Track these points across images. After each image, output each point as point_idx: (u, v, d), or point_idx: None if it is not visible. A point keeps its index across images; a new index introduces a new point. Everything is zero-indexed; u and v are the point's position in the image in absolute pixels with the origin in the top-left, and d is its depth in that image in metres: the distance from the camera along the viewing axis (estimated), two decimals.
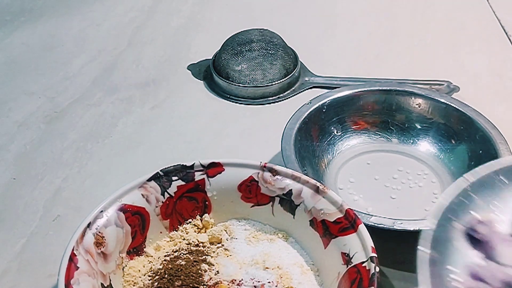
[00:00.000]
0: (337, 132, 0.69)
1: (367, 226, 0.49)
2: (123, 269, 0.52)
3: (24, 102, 0.80)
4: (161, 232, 0.56)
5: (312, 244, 0.53)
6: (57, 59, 0.89)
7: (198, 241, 0.54)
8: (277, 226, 0.56)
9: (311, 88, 0.82)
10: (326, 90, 0.71)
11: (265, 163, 0.56)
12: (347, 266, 0.48)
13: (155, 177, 0.55)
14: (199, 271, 0.51)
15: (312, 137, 0.66)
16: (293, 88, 0.81)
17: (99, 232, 0.50)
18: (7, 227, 0.61)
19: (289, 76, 0.81)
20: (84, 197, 0.64)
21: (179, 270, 0.50)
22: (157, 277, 0.50)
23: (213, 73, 0.82)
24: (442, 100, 0.68)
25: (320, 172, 0.64)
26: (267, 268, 0.51)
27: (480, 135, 0.63)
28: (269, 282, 0.50)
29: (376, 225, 0.52)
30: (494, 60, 0.87)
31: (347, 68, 0.85)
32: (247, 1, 1.05)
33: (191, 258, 0.52)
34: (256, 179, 0.56)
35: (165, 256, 0.53)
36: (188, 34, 0.96)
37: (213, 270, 0.51)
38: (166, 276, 0.50)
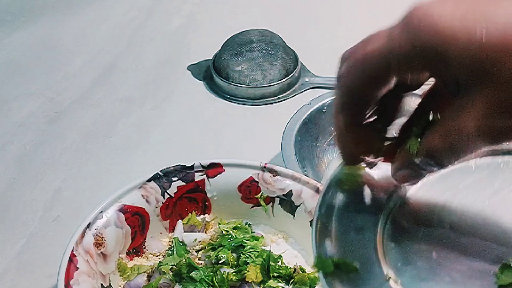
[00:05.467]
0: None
1: None
2: (124, 270, 0.52)
3: (24, 102, 0.80)
4: (161, 233, 0.56)
5: None
6: (57, 59, 0.89)
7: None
8: (277, 227, 0.56)
9: (311, 88, 0.81)
10: (326, 91, 0.71)
11: (265, 164, 0.56)
12: None
13: (155, 178, 0.55)
14: None
15: (312, 138, 0.66)
16: (293, 89, 0.81)
17: (99, 233, 0.50)
18: (7, 227, 0.61)
19: (289, 77, 0.81)
20: (83, 197, 0.64)
21: None
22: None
23: (213, 74, 0.82)
24: None
25: (321, 173, 0.64)
26: None
27: None
28: None
29: None
30: None
31: None
32: (247, 1, 1.05)
33: None
34: (256, 180, 0.56)
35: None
36: (188, 34, 0.96)
37: None
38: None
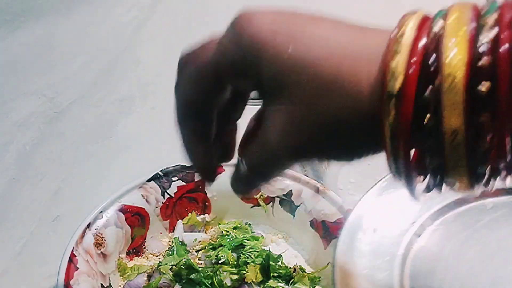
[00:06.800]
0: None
1: None
2: (124, 270, 0.52)
3: (24, 102, 0.80)
4: (161, 233, 0.56)
5: (312, 244, 0.53)
6: (57, 59, 0.89)
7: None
8: (277, 226, 0.56)
9: None
10: None
11: None
12: None
13: (155, 178, 0.55)
14: None
15: None
16: None
17: (99, 233, 0.50)
18: (7, 227, 0.61)
19: None
20: (84, 197, 0.64)
21: None
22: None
23: None
24: None
25: (320, 173, 0.64)
26: None
27: None
28: None
29: None
30: None
31: None
32: (247, 1, 1.05)
33: None
34: None
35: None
36: (188, 34, 0.95)
37: None
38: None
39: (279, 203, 0.55)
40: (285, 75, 0.27)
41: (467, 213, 0.43)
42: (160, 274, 0.50)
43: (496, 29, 0.24)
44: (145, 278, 0.51)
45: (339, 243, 0.41)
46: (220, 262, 0.50)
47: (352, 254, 0.41)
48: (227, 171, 0.56)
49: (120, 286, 0.51)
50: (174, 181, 0.56)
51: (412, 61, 0.25)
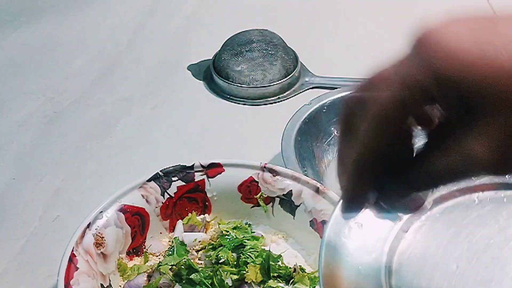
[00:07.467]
0: (337, 133, 0.68)
1: None
2: (124, 270, 0.52)
3: (24, 102, 0.80)
4: (161, 233, 0.56)
5: (313, 244, 0.53)
6: (57, 59, 0.89)
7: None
8: (277, 226, 0.56)
9: (311, 88, 0.81)
10: (326, 91, 0.71)
11: (265, 164, 0.56)
12: None
13: (155, 178, 0.55)
14: None
15: (312, 138, 0.66)
16: (293, 89, 0.81)
17: (99, 233, 0.50)
18: (7, 227, 0.61)
19: (289, 77, 0.81)
20: (84, 197, 0.64)
21: None
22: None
23: (213, 74, 0.82)
24: None
25: (320, 173, 0.64)
26: None
27: None
28: None
29: None
30: None
31: (347, 68, 0.85)
32: (247, 1, 1.05)
33: None
34: (256, 180, 0.56)
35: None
36: (188, 34, 0.96)
37: None
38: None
39: (279, 203, 0.56)
40: (504, 88, 0.24)
41: (453, 208, 0.42)
42: (160, 274, 0.50)
43: None
44: (145, 278, 0.51)
45: (323, 239, 0.41)
46: (220, 262, 0.50)
47: (338, 250, 0.40)
48: (227, 171, 0.56)
49: (120, 286, 0.51)
50: (174, 181, 0.56)
51: None
